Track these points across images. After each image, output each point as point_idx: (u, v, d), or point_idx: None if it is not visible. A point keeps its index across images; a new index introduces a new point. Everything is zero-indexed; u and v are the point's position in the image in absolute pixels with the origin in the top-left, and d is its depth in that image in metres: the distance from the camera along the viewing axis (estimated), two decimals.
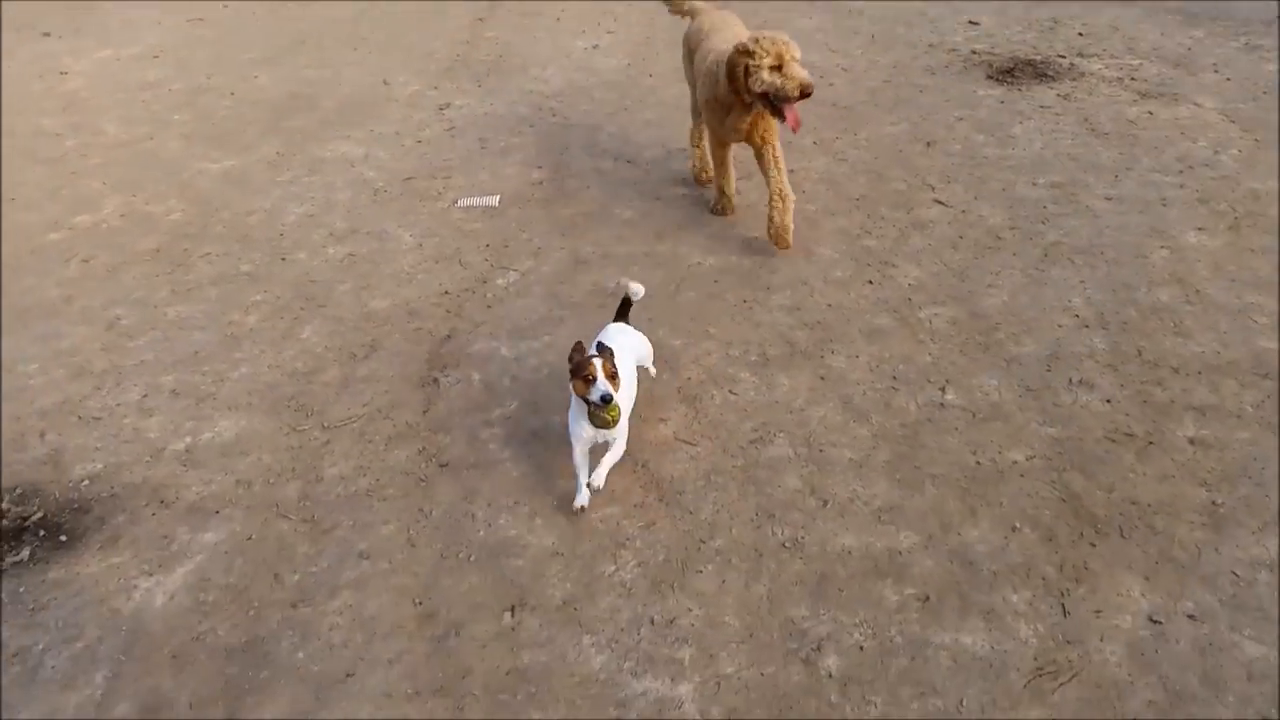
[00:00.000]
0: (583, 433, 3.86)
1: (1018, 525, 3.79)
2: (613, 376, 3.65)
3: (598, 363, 3.63)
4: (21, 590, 3.72)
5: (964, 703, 3.12)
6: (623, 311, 4.42)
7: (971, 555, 3.67)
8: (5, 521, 4.05)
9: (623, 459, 4.01)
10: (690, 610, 3.50)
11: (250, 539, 3.93)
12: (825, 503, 3.94)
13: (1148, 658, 3.24)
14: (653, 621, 3.47)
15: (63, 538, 3.97)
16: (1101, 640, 3.31)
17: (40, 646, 3.49)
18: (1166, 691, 3.12)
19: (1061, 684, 3.17)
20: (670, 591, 3.58)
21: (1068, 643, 3.31)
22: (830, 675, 3.24)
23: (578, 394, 3.71)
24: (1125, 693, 3.13)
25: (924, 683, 3.19)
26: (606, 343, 3.97)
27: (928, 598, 3.50)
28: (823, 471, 4.11)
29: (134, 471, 4.33)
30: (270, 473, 4.30)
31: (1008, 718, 3.06)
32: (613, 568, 3.70)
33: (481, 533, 3.90)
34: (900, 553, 3.69)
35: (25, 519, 4.06)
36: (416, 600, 3.61)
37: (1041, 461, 4.09)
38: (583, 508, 3.88)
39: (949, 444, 4.23)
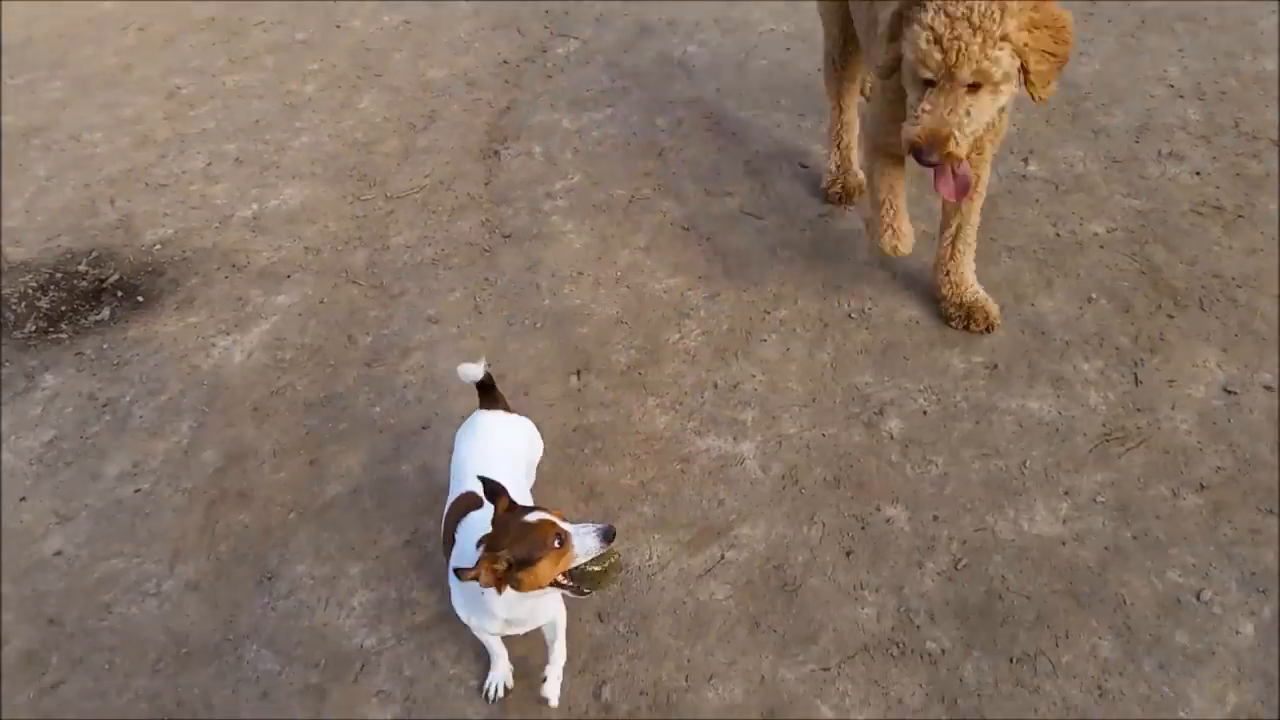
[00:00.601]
0: (492, 625, 2.40)
1: (1094, 296, 3.69)
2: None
3: (547, 515, 2.18)
4: (105, 347, 3.86)
5: (1027, 464, 3.14)
6: (488, 395, 2.88)
7: (1044, 325, 3.60)
8: (84, 283, 4.16)
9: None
10: (754, 376, 3.51)
11: (322, 302, 4.00)
12: (894, 275, 3.86)
13: (1219, 426, 3.20)
14: (716, 386, 3.49)
15: (140, 299, 4.08)
16: (1173, 409, 3.27)
17: (127, 399, 3.64)
18: (1236, 459, 3.10)
19: (1129, 449, 3.16)
20: (734, 359, 3.59)
21: (1138, 410, 3.28)
22: (892, 437, 3.26)
23: (536, 585, 2.15)
24: (1193, 459, 3.11)
25: (987, 445, 3.20)
26: (478, 446, 2.70)
27: (996, 365, 3.46)
28: None
29: (204, 236, 4.38)
30: (337, 240, 4.32)
31: (1071, 479, 3.08)
32: (677, 336, 3.70)
33: (546, 301, 3.91)
34: None
35: (103, 281, 4.16)
36: (486, 363, 3.66)
37: (1123, 234, 3.94)
38: (505, 689, 2.66)
39: (1028, 216, 4.09)
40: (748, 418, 3.37)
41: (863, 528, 2.99)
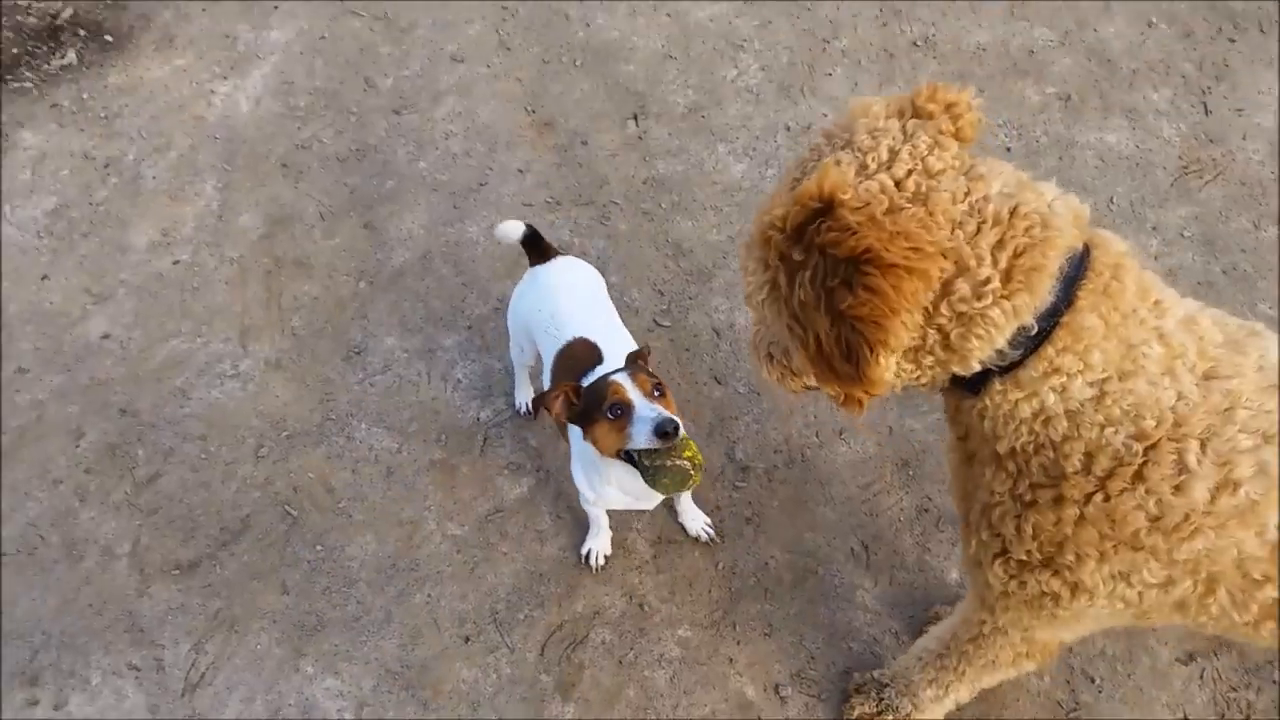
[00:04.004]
0: (607, 493, 2.13)
1: (1154, 20, 3.55)
2: (659, 391, 1.91)
3: (623, 380, 1.88)
4: (85, 97, 3.35)
5: (1114, 200, 3.10)
6: (536, 248, 2.41)
7: (1109, 53, 3.46)
8: (31, 19, 3.55)
9: None
10: (824, 115, 3.31)
11: (323, 38, 3.53)
12: None
13: None
14: (788, 128, 3.29)
15: (108, 38, 3.52)
16: (1244, 139, 3.25)
17: (130, 157, 3.21)
18: None
19: (1206, 182, 3.15)
20: (800, 96, 3.36)
21: (1210, 141, 3.25)
22: None
23: (605, 450, 1.91)
24: (1269, 190, 3.13)
25: (1073, 181, 3.14)
26: (547, 299, 2.28)
27: (1069, 96, 3.35)
28: None
29: None
30: None
31: (1157, 214, 3.07)
32: (734, 72, 3.43)
33: (580, 34, 3.55)
34: (1035, 51, 3.47)
35: (54, 17, 3.56)
36: (529, 108, 3.35)
37: None
38: (605, 559, 2.45)
39: None
40: None
41: None
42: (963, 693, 1.97)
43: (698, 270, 2.95)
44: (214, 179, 3.16)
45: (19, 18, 3.57)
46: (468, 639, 2.32)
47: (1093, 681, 2.28)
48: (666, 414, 1.79)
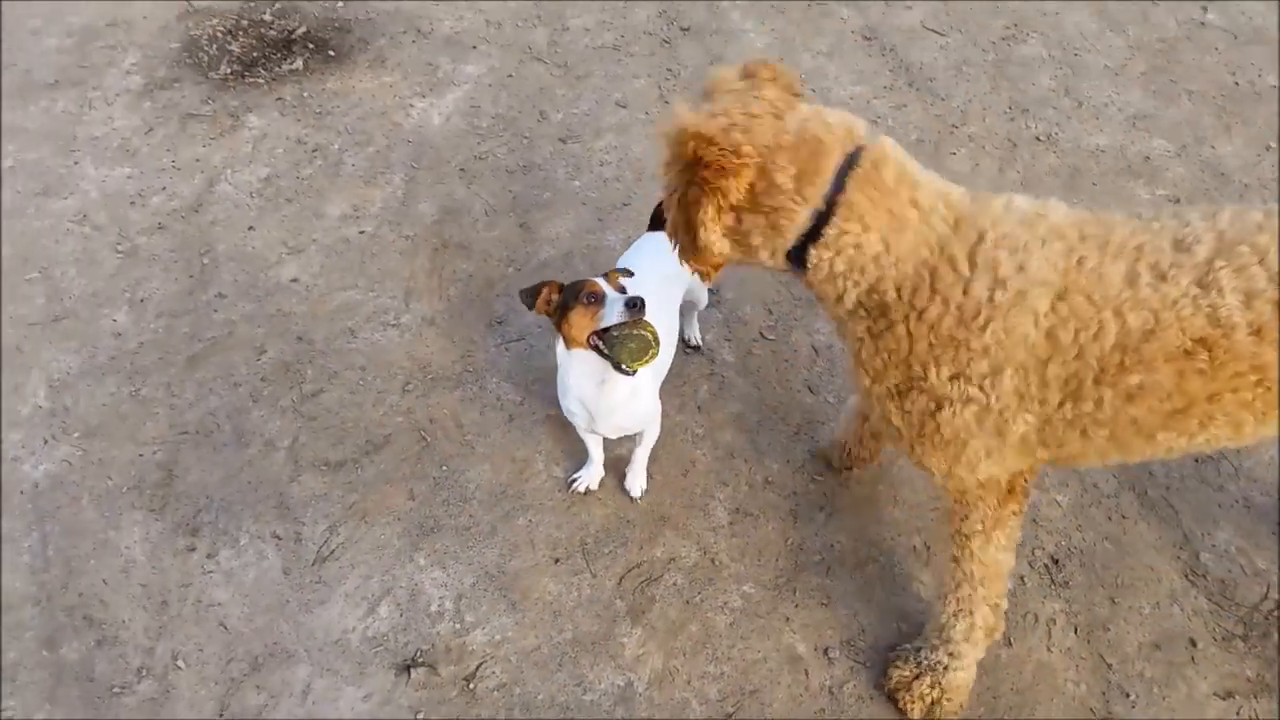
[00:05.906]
0: (576, 409, 2.51)
1: (1271, 145, 3.78)
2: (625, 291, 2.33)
3: (598, 279, 2.34)
4: (305, 95, 3.96)
5: None
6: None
7: (1224, 167, 3.70)
8: (272, 32, 4.22)
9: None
10: None
11: (510, 76, 4.07)
12: (1079, 104, 3.93)
13: None
14: None
15: (330, 53, 4.15)
16: None
17: (336, 146, 3.77)
18: None
19: None
20: (928, 165, 3.69)
21: None
22: None
23: (575, 339, 2.33)
24: None
25: None
26: (636, 261, 2.65)
27: (1179, 200, 3.59)
28: (1077, 75, 4.06)
29: None
30: (517, 16, 4.35)
31: None
32: None
33: None
34: (1151, 158, 3.74)
35: (290, 32, 4.22)
36: None
37: None
38: (586, 489, 2.78)
39: (1207, 63, 4.12)
40: None
41: None
42: (979, 606, 2.17)
43: (806, 296, 3.27)
44: (402, 173, 3.67)
45: (262, 30, 4.24)
46: (557, 560, 2.62)
47: (1127, 696, 2.42)
48: (635, 296, 2.21)
